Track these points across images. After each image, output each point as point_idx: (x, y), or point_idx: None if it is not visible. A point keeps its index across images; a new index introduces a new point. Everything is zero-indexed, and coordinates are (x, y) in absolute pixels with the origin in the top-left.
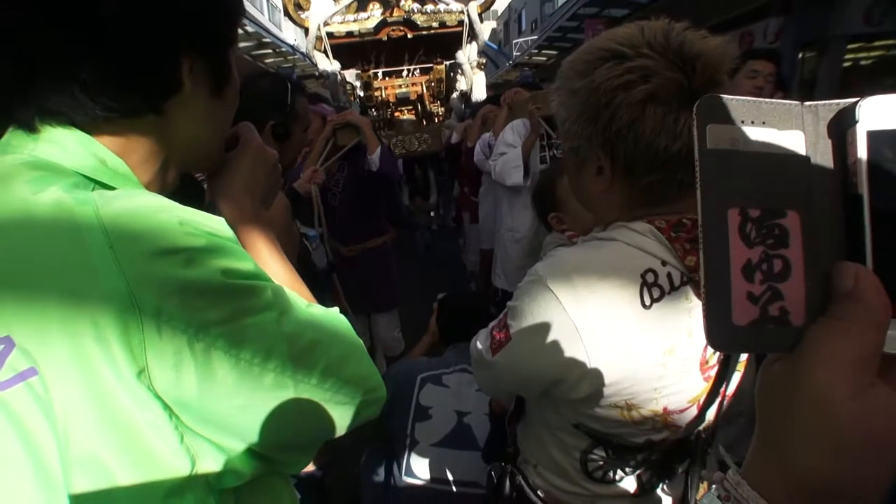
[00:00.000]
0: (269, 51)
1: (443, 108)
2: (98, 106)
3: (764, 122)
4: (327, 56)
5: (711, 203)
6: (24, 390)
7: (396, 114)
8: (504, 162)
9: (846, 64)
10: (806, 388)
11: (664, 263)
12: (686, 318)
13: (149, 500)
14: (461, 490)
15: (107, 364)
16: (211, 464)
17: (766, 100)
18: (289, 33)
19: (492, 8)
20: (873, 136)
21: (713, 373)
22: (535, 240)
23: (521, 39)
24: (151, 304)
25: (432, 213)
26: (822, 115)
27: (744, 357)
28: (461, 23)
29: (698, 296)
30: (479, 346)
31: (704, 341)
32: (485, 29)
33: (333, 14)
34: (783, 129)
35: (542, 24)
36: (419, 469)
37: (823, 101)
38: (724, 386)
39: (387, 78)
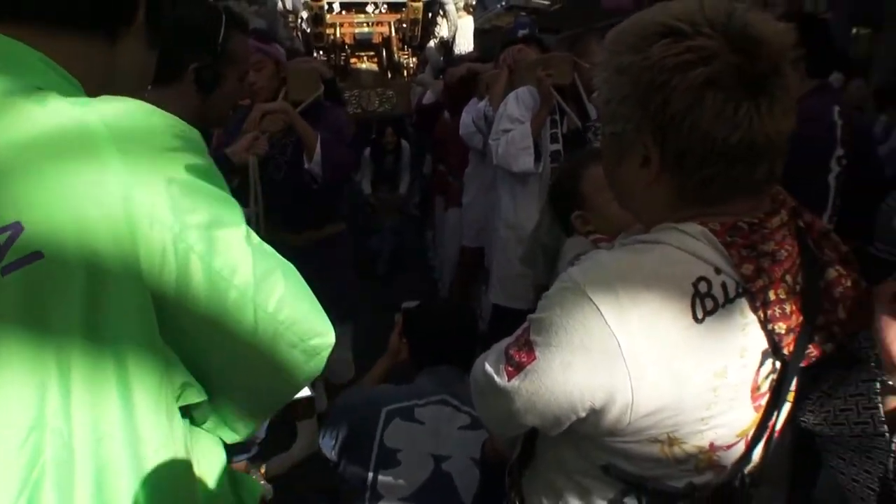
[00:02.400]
0: None
1: (415, 59)
2: (53, 10)
3: None
4: None
5: None
6: (29, 272)
7: (353, 61)
8: (509, 142)
9: None
10: None
11: (718, 271)
12: (740, 334)
13: (144, 375)
14: None
15: (115, 250)
16: (175, 369)
17: None
18: None
19: None
20: None
21: (764, 401)
22: (533, 242)
23: None
24: (147, 199)
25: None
26: None
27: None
28: None
29: (754, 310)
30: (489, 368)
31: (757, 363)
32: None
33: None
34: None
35: None
36: None
37: None
38: (774, 417)
39: (344, 12)
